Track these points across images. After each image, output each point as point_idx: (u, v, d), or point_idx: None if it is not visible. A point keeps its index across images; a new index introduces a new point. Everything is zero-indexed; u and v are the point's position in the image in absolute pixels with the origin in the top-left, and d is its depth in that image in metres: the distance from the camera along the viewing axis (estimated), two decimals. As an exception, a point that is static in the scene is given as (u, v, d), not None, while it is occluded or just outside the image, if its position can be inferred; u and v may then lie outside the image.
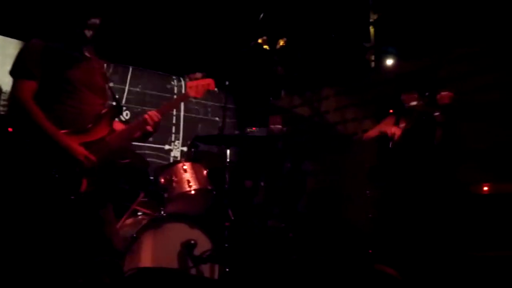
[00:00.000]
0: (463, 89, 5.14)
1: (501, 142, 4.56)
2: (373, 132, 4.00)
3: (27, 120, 2.68)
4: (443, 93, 3.57)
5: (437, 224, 3.51)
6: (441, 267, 3.24)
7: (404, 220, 3.66)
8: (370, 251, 3.69)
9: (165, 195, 3.98)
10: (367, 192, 4.58)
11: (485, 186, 3.72)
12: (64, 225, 2.68)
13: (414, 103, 3.73)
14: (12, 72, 2.78)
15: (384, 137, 3.87)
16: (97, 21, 2.86)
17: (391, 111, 4.10)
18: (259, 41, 6.66)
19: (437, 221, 3.52)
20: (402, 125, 3.93)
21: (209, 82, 3.14)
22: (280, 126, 5.42)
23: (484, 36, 5.15)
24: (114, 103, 2.99)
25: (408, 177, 3.72)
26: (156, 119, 2.91)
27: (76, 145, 2.71)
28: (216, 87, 3.20)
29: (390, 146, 3.71)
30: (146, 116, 2.92)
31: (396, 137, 3.68)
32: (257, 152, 5.56)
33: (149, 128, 2.91)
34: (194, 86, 3.10)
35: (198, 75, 3.15)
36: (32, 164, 2.63)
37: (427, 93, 3.75)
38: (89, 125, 2.81)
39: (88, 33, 2.85)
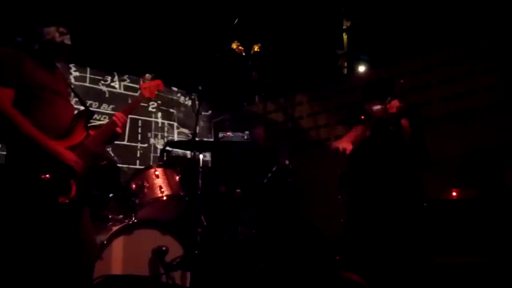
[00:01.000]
0: (428, 97, 5.28)
1: (465, 149, 4.68)
2: (333, 146, 4.05)
3: (10, 129, 2.62)
4: (391, 103, 3.64)
5: (404, 230, 3.56)
6: (408, 274, 3.29)
7: (371, 227, 3.70)
8: (338, 257, 3.72)
9: (137, 201, 3.92)
10: (339, 197, 4.62)
11: (454, 191, 3.80)
12: (51, 230, 2.67)
13: (377, 107, 3.79)
14: None
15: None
16: (64, 30, 2.86)
17: (362, 117, 4.13)
18: (233, 46, 6.68)
19: (404, 227, 3.57)
20: (368, 133, 3.98)
21: (159, 83, 3.27)
22: (262, 136, 5.45)
23: (454, 42, 5.28)
24: (84, 108, 3.01)
25: (373, 183, 3.77)
26: (123, 120, 2.98)
27: (65, 150, 2.72)
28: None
29: (346, 156, 3.76)
30: (114, 118, 2.97)
31: (347, 152, 3.74)
32: (231, 158, 5.55)
33: (118, 129, 2.97)
34: (147, 87, 3.21)
35: (148, 76, 3.24)
36: (24, 172, 2.61)
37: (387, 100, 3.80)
38: (67, 130, 2.80)
39: (59, 39, 2.85)
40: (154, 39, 6.58)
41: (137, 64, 6.69)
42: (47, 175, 2.62)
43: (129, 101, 6.66)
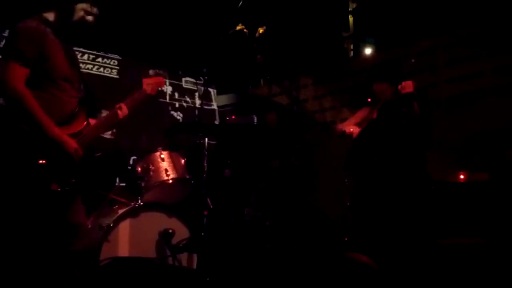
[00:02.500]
0: (436, 79, 5.23)
1: (471, 132, 4.65)
2: (339, 128, 4.01)
3: (18, 108, 2.60)
4: (405, 82, 3.60)
5: (409, 212, 3.55)
6: (416, 255, 3.29)
7: (376, 209, 3.70)
8: (346, 239, 3.73)
9: (142, 184, 3.94)
10: (345, 180, 4.61)
11: (462, 174, 3.78)
12: (45, 216, 2.66)
13: (385, 88, 3.75)
14: (5, 53, 2.66)
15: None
16: (95, 9, 2.84)
17: (369, 100, 4.11)
18: (238, 28, 6.61)
19: (409, 209, 3.56)
20: (375, 115, 3.95)
21: (161, 81, 3.28)
22: (275, 122, 5.43)
23: (461, 24, 5.21)
24: (88, 96, 2.98)
25: (380, 163, 3.76)
26: (126, 113, 3.01)
27: (67, 137, 2.70)
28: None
29: (352, 139, 3.74)
30: (117, 110, 2.99)
31: (354, 135, 3.71)
32: (237, 141, 5.55)
33: (120, 121, 3.00)
34: (150, 83, 3.20)
35: (152, 72, 3.22)
36: (23, 153, 2.59)
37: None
38: (69, 117, 2.78)
39: (90, 19, 2.83)
40: (157, 22, 6.53)
41: (139, 47, 6.66)
42: (43, 161, 2.60)
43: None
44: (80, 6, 2.80)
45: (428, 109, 3.73)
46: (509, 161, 3.89)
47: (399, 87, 3.60)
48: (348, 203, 4.37)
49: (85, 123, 2.85)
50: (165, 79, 3.32)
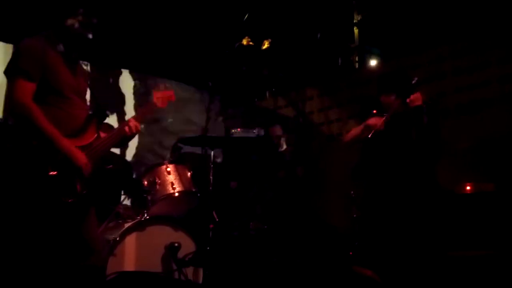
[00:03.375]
0: (443, 88, 5.22)
1: (480, 141, 4.62)
2: (353, 131, 3.95)
3: (27, 123, 2.62)
4: (413, 95, 3.58)
5: (419, 224, 3.52)
6: (423, 268, 3.25)
7: (386, 220, 3.66)
8: (351, 253, 3.69)
9: (149, 197, 3.94)
10: (351, 192, 4.58)
11: (468, 185, 3.75)
12: (55, 228, 2.66)
13: (392, 100, 3.71)
14: (10, 72, 2.69)
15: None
16: (94, 20, 2.86)
17: (374, 111, 4.09)
18: (244, 42, 6.65)
19: (419, 221, 3.53)
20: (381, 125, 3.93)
21: (171, 94, 3.26)
22: (280, 134, 5.43)
23: (466, 34, 5.21)
24: (98, 108, 2.99)
25: (389, 175, 3.72)
26: (138, 127, 2.99)
27: (77, 150, 2.70)
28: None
29: (370, 135, 3.65)
30: (128, 124, 2.97)
31: (377, 126, 3.63)
32: (242, 153, 5.54)
33: (130, 134, 2.98)
34: (160, 96, 3.20)
35: (162, 86, 3.25)
36: (33, 166, 2.59)
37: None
38: (79, 130, 2.79)
39: (89, 34, 2.85)
40: (165, 35, 6.58)
41: (148, 60, 6.71)
42: (54, 172, 2.61)
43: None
44: (78, 18, 2.82)
45: (437, 121, 3.69)
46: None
47: (408, 100, 3.58)
48: (354, 215, 4.35)
49: (95, 135, 2.85)
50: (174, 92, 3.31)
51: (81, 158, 2.70)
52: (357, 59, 6.68)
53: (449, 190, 3.83)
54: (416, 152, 3.70)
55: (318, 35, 6.56)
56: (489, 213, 3.58)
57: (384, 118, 3.60)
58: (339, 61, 6.78)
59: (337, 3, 6.70)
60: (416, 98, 3.56)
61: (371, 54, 6.71)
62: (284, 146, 5.39)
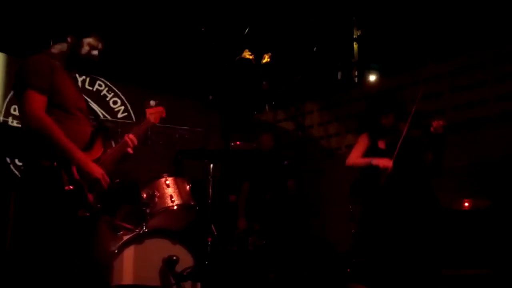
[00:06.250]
0: (442, 105, 5.25)
1: (477, 159, 4.64)
2: (360, 161, 3.95)
3: (42, 136, 2.63)
4: (435, 123, 3.61)
5: (418, 242, 3.52)
6: (418, 286, 3.26)
7: (384, 237, 3.67)
8: (348, 270, 3.69)
9: (147, 210, 3.95)
10: (350, 207, 4.59)
11: (466, 202, 3.76)
12: (71, 243, 2.68)
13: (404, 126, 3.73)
14: (21, 86, 2.69)
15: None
16: (100, 44, 2.93)
17: (366, 131, 4.11)
18: (244, 55, 6.70)
19: (418, 238, 3.53)
20: (381, 145, 3.95)
21: (162, 110, 3.35)
22: (271, 144, 5.42)
23: (465, 51, 5.25)
24: (101, 124, 3.07)
25: (387, 193, 3.74)
26: (135, 142, 3.04)
27: (94, 163, 2.74)
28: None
29: (382, 181, 3.68)
30: (126, 139, 3.02)
31: (389, 170, 3.67)
32: (241, 167, 5.55)
33: (129, 150, 3.02)
34: (153, 112, 3.29)
35: (153, 102, 3.31)
36: (48, 187, 2.62)
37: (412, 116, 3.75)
38: (87, 145, 2.83)
39: (94, 53, 2.92)
40: (165, 48, 6.61)
41: (146, 74, 6.73)
42: (71, 187, 2.63)
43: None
44: (87, 40, 2.90)
45: (444, 143, 3.72)
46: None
47: (432, 129, 3.61)
48: (353, 230, 4.35)
49: (102, 150, 2.91)
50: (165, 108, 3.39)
51: (98, 170, 2.74)
52: (356, 73, 6.72)
53: (447, 207, 3.84)
54: (421, 172, 3.74)
55: (315, 49, 6.59)
56: (486, 230, 3.59)
57: (393, 159, 3.64)
58: (339, 75, 6.83)
59: (337, 18, 6.76)
60: (439, 126, 3.59)
61: (370, 70, 6.75)
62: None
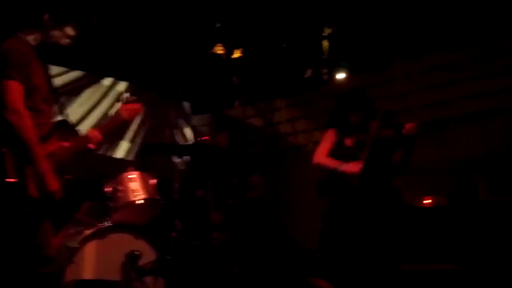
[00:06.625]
0: (408, 105, 5.32)
1: (442, 158, 4.72)
2: (328, 164, 3.95)
3: (15, 130, 2.55)
4: (408, 125, 3.65)
5: (379, 236, 3.57)
6: (375, 281, 3.30)
7: (348, 234, 3.70)
8: (310, 264, 3.71)
9: (111, 204, 3.89)
10: (316, 202, 4.61)
11: (427, 199, 3.82)
12: (11, 237, 2.62)
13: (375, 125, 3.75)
14: (2, 74, 2.60)
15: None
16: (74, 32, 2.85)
17: (334, 127, 4.13)
18: (215, 50, 6.66)
19: (380, 233, 3.58)
20: (349, 142, 3.97)
21: (139, 107, 3.23)
22: (225, 143, 5.35)
23: (435, 49, 5.32)
24: (61, 117, 3.00)
25: (354, 192, 3.77)
26: (99, 138, 2.98)
27: (54, 176, 2.65)
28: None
29: (354, 183, 3.70)
30: (90, 135, 2.96)
31: (359, 173, 3.69)
32: (208, 162, 5.52)
33: (91, 145, 2.97)
34: (128, 109, 3.18)
35: (131, 98, 3.20)
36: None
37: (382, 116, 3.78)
38: (43, 138, 2.75)
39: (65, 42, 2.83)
40: (133, 42, 6.52)
41: (115, 67, 6.63)
42: (14, 180, 2.55)
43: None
44: (61, 28, 2.82)
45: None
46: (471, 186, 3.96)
47: (404, 131, 3.64)
48: (318, 226, 4.37)
49: (58, 145, 2.83)
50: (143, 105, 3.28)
51: (55, 184, 2.65)
52: (326, 71, 6.75)
53: (407, 205, 3.90)
54: (388, 172, 3.78)
55: (284, 45, 6.60)
56: (445, 227, 3.66)
57: (361, 166, 3.66)
58: (309, 73, 6.84)
59: (308, 16, 6.77)
60: (412, 128, 3.63)
61: (340, 68, 6.78)
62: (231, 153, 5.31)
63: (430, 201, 3.81)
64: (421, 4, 5.52)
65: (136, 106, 3.20)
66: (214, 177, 5.24)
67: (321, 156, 3.97)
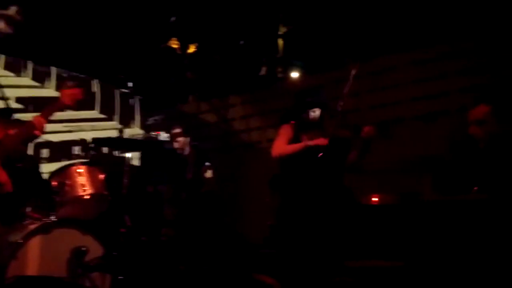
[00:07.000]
0: (359, 105, 5.42)
1: (392, 158, 4.84)
2: (292, 148, 3.96)
3: None
4: (367, 128, 3.72)
5: (326, 233, 3.64)
6: (320, 277, 3.36)
7: (299, 230, 3.74)
8: (258, 260, 3.74)
9: (57, 199, 3.79)
10: (267, 200, 4.64)
11: (374, 197, 3.92)
12: None
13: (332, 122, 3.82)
14: None
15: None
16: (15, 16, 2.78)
17: (292, 122, 4.17)
18: (169, 44, 6.60)
19: (327, 230, 3.65)
20: (305, 139, 4.02)
21: (79, 92, 3.27)
22: (182, 138, 5.26)
23: (389, 51, 5.44)
24: (4, 106, 2.94)
25: (307, 187, 3.82)
26: (43, 124, 2.97)
27: (2, 170, 2.64)
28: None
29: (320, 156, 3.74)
30: (34, 121, 2.94)
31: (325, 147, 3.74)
32: (160, 157, 5.46)
33: (37, 132, 2.96)
34: (69, 94, 3.20)
35: (71, 83, 3.22)
36: None
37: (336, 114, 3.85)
38: None
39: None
40: (85, 33, 6.37)
41: (69, 58, 6.46)
42: None
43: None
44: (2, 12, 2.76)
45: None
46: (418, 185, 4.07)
47: (363, 133, 3.71)
48: (268, 222, 4.40)
49: (4, 133, 2.80)
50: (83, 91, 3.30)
51: (2, 176, 2.68)
52: (280, 70, 6.81)
53: (359, 201, 3.99)
54: (341, 170, 3.85)
55: (241, 42, 6.62)
56: (394, 225, 3.77)
57: (328, 140, 3.71)
58: (263, 71, 6.88)
59: (264, 14, 6.80)
60: (371, 131, 3.71)
61: (294, 66, 6.85)
62: (187, 149, 5.25)
63: (377, 199, 3.90)
64: (373, 8, 5.65)
65: (76, 91, 3.23)
66: (167, 172, 5.19)
67: (281, 147, 3.98)
